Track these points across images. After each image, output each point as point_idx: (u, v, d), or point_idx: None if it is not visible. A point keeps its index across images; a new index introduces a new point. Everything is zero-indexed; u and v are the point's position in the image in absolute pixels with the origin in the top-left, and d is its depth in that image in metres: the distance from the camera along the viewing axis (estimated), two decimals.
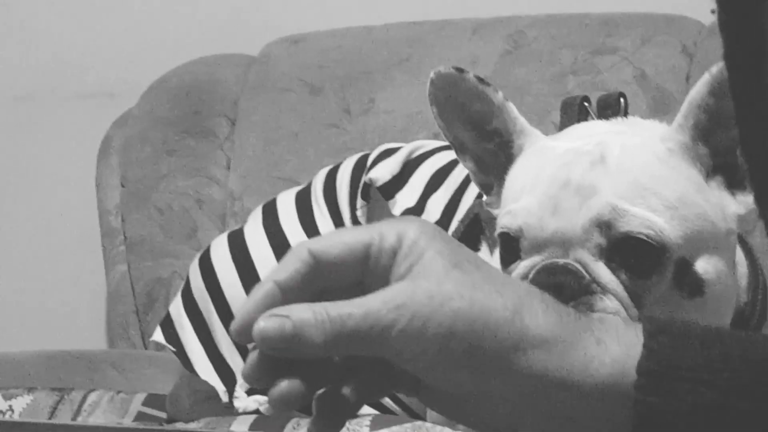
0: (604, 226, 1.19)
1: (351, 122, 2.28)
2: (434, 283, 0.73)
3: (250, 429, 1.43)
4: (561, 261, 1.19)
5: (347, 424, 1.38)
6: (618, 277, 1.19)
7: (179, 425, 1.49)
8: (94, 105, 2.52)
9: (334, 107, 2.29)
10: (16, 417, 1.62)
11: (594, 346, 0.76)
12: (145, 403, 1.72)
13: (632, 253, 1.19)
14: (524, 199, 1.22)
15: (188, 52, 2.42)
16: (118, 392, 1.75)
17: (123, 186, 2.33)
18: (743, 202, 1.25)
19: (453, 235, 1.49)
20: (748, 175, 0.63)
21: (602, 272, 1.19)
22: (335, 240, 0.76)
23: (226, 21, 2.51)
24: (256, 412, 1.53)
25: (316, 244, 0.76)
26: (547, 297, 0.77)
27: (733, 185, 1.25)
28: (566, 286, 1.17)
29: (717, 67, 1.19)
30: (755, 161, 0.55)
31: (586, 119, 1.37)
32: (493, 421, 0.79)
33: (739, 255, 1.31)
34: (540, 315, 0.76)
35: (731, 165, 1.24)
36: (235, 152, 2.32)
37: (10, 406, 1.65)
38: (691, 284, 1.21)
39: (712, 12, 0.59)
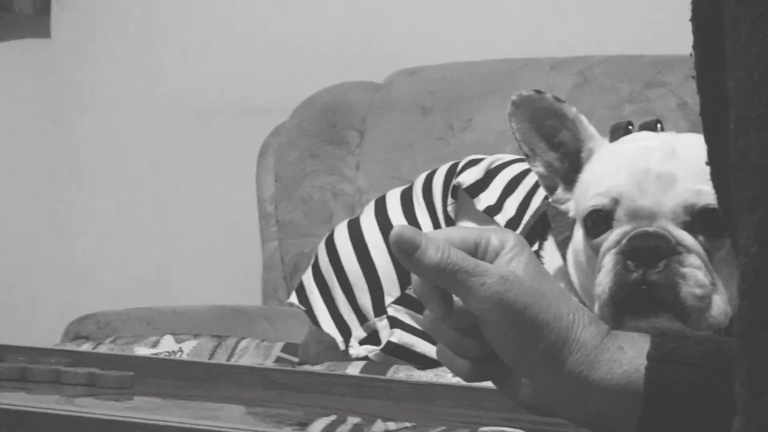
0: (689, 206, 1.20)
1: (453, 137, 2.28)
2: (527, 277, 0.75)
3: (360, 371, 1.44)
4: (652, 228, 1.20)
5: None
6: (696, 239, 1.20)
7: (307, 368, 1.49)
8: (257, 118, 2.55)
9: (440, 125, 2.30)
10: (183, 357, 1.63)
11: (616, 352, 0.76)
12: (283, 350, 1.73)
13: (707, 221, 1.19)
14: (610, 181, 1.24)
15: (329, 78, 2.44)
16: (263, 340, 1.77)
17: (276, 181, 2.37)
18: None
19: (524, 227, 1.50)
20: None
21: (685, 237, 1.20)
22: (456, 233, 0.78)
23: (359, 55, 2.52)
24: (366, 358, 1.53)
25: (444, 233, 0.80)
26: (589, 312, 0.78)
27: None
28: (660, 247, 1.18)
29: None
30: (720, 192, 0.54)
31: None
32: (533, 401, 0.80)
33: None
34: (586, 325, 0.76)
35: None
36: (362, 157, 2.34)
37: (180, 348, 1.67)
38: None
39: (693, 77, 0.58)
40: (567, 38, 2.55)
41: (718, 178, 0.58)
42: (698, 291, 1.18)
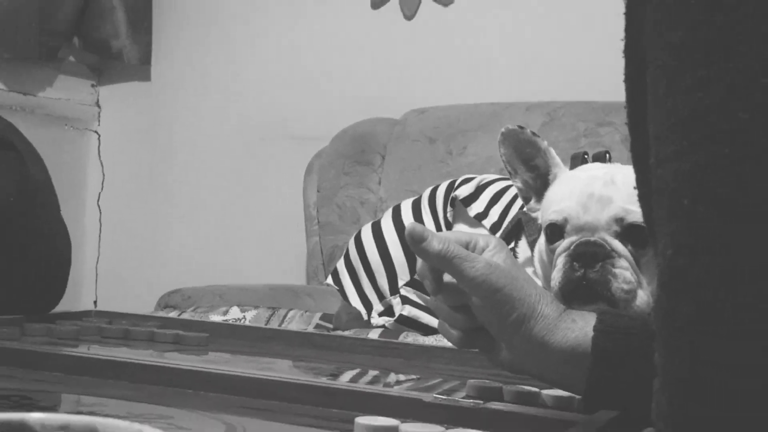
0: (619, 220, 1.20)
1: (452, 160, 2.28)
2: (505, 266, 0.77)
3: (379, 336, 1.43)
4: (593, 238, 1.20)
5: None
6: (626, 247, 1.20)
7: (339, 333, 1.49)
8: (304, 144, 2.55)
9: (442, 151, 2.30)
10: (246, 323, 1.62)
11: (570, 323, 0.77)
12: (321, 318, 1.73)
13: (635, 234, 1.19)
14: (564, 203, 1.24)
15: (360, 114, 2.44)
16: (306, 311, 1.76)
17: (318, 191, 2.38)
18: None
19: (504, 229, 1.50)
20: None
21: (617, 245, 1.20)
22: (452, 235, 0.79)
23: (382, 97, 2.53)
24: (383, 327, 1.53)
25: (444, 234, 0.80)
26: (550, 294, 0.80)
27: None
28: (598, 253, 1.19)
29: None
30: (645, 210, 0.54)
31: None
32: (508, 363, 0.81)
33: None
34: (548, 303, 0.77)
35: None
36: (383, 175, 2.34)
37: (244, 316, 1.67)
38: None
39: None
40: (538, 87, 2.55)
41: (644, 199, 0.58)
42: (626, 286, 1.20)
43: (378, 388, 0.82)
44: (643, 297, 1.21)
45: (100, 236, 3.04)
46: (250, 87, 2.92)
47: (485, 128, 2.40)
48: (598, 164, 1.35)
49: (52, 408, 0.76)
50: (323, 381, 0.87)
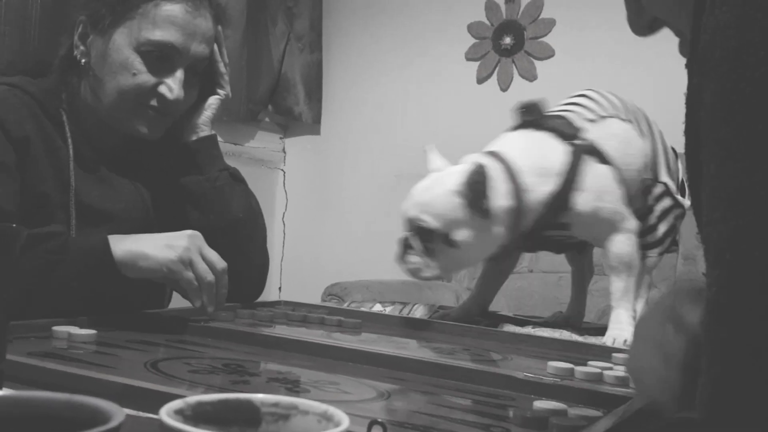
0: (413, 222, 1.15)
1: None
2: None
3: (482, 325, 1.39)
4: (404, 235, 1.17)
5: None
6: (420, 241, 1.15)
7: (452, 321, 1.44)
8: None
9: None
10: (386, 312, 1.60)
11: None
12: (439, 308, 1.69)
13: (424, 232, 1.14)
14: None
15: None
16: (427, 304, 1.74)
17: None
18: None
19: None
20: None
21: (414, 241, 1.16)
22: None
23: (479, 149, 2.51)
24: None
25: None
26: None
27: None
28: (405, 246, 1.17)
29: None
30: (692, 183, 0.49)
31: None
32: None
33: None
34: None
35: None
36: None
37: (384, 309, 1.65)
38: (450, 242, 1.13)
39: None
40: None
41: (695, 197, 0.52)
42: (412, 266, 1.17)
43: (479, 366, 0.81)
44: (427, 273, 1.16)
45: (284, 243, 3.11)
46: (390, 138, 2.94)
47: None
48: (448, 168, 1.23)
49: (257, 373, 0.76)
50: (444, 359, 0.85)
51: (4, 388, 0.52)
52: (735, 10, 0.40)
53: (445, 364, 0.79)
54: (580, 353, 0.98)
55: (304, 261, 3.04)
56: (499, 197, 1.13)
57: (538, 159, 1.16)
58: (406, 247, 1.18)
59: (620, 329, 1.16)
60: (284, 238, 3.10)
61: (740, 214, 0.39)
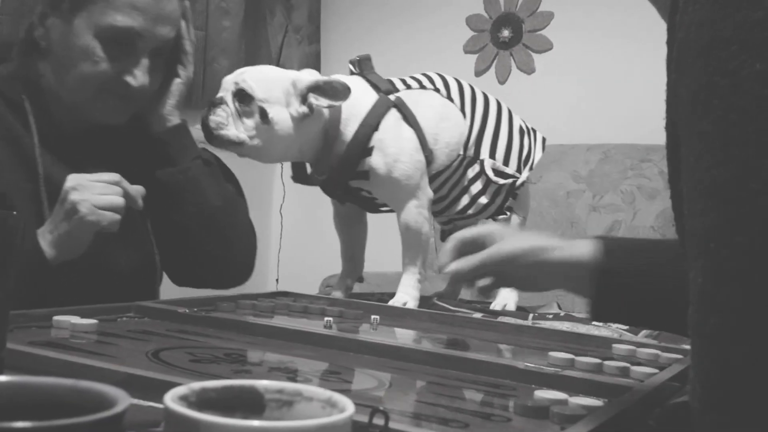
0: (236, 84, 1.16)
1: (532, 188, 2.23)
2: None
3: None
4: (218, 96, 1.17)
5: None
6: (237, 103, 1.16)
7: (451, 311, 1.44)
8: None
9: None
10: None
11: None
12: (437, 299, 1.67)
13: (242, 95, 1.15)
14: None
15: None
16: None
17: None
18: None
19: None
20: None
21: (229, 99, 1.16)
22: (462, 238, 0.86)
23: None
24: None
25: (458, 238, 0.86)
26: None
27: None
28: (217, 103, 1.16)
29: None
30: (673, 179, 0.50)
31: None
32: (528, 284, 0.85)
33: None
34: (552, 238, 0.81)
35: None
36: None
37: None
38: (265, 117, 1.15)
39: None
40: (596, 133, 2.49)
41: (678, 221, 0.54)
42: (215, 122, 1.17)
43: (480, 355, 0.81)
44: (231, 131, 1.16)
45: (281, 234, 3.10)
46: None
47: (557, 163, 2.34)
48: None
49: (258, 363, 0.76)
50: (444, 350, 0.85)
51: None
52: (707, 7, 0.41)
53: (447, 354, 0.79)
54: (581, 344, 0.98)
55: (301, 252, 3.04)
56: (323, 111, 1.20)
57: (350, 101, 1.20)
58: (217, 104, 1.17)
59: (406, 293, 1.28)
60: (282, 229, 3.10)
61: (721, 204, 0.39)
